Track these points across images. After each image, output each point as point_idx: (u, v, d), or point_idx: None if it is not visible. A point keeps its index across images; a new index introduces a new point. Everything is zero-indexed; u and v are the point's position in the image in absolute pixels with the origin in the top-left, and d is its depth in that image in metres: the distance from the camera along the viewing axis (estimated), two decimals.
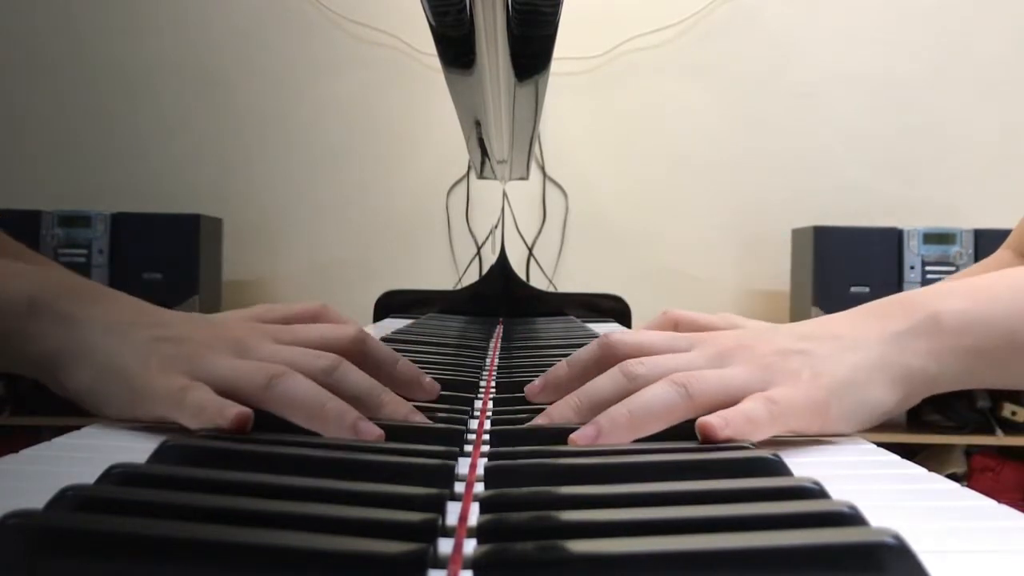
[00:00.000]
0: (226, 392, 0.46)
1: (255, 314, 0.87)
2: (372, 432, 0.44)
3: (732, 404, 0.46)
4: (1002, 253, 1.03)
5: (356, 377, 0.49)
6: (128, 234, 2.28)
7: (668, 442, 0.44)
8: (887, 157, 2.55)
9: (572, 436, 0.44)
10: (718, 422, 0.43)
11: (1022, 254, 1.00)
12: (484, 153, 1.25)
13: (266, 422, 0.45)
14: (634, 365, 0.48)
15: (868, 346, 0.49)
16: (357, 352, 0.52)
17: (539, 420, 0.48)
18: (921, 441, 2.24)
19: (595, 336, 1.09)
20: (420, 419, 0.48)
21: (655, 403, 0.45)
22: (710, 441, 0.43)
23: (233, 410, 0.43)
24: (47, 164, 2.58)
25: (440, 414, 0.50)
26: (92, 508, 0.29)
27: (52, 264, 0.59)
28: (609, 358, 0.51)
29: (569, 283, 2.51)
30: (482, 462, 0.38)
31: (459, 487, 0.36)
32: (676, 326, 0.88)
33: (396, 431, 0.44)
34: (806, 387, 0.47)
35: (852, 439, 0.49)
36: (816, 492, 0.32)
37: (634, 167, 2.58)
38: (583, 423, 0.45)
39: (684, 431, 0.45)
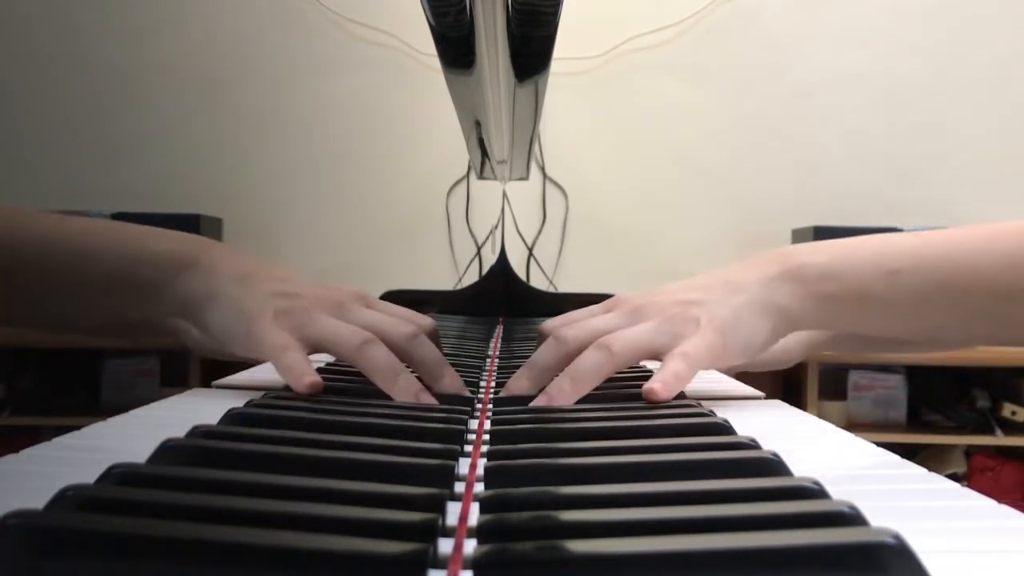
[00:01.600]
0: (323, 347, 0.57)
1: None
2: (431, 401, 0.54)
3: (648, 355, 0.58)
4: None
5: (430, 349, 0.59)
6: None
7: (668, 439, 0.44)
8: (887, 157, 2.55)
9: (531, 405, 0.54)
10: (659, 387, 0.54)
11: None
12: (484, 153, 1.25)
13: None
14: (564, 330, 0.60)
15: (748, 288, 0.60)
16: (431, 335, 0.61)
17: (501, 393, 0.59)
18: (921, 441, 2.24)
19: None
20: (466, 392, 0.58)
21: (588, 367, 0.55)
22: (655, 402, 0.53)
23: (307, 379, 0.54)
24: (47, 164, 2.58)
25: (440, 414, 0.50)
26: (92, 508, 0.29)
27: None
28: (545, 337, 0.61)
29: (569, 283, 2.51)
30: (482, 462, 0.38)
31: (459, 487, 0.36)
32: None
33: (396, 431, 0.44)
34: (705, 332, 0.57)
35: (851, 439, 0.49)
36: (816, 492, 0.32)
37: (634, 167, 2.58)
38: (537, 389, 0.56)
39: (685, 431, 0.45)
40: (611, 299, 0.64)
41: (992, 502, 0.35)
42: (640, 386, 0.55)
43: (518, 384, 0.58)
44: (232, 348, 0.59)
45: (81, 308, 0.61)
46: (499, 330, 1.21)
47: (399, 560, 0.25)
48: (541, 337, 0.63)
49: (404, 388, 0.54)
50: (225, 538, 0.26)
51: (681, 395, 0.57)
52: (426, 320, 0.63)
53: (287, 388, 0.56)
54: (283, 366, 0.55)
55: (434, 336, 0.63)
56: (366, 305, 0.62)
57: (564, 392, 0.54)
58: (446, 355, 0.62)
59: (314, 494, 0.32)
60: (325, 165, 2.58)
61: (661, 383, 0.54)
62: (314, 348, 0.57)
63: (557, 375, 0.56)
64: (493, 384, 0.68)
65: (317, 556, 0.25)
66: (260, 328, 0.57)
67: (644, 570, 0.25)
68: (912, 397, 2.30)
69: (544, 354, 0.59)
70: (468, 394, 0.57)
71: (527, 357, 0.82)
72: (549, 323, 0.64)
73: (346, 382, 0.61)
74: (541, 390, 0.56)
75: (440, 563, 0.27)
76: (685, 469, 0.37)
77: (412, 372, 0.58)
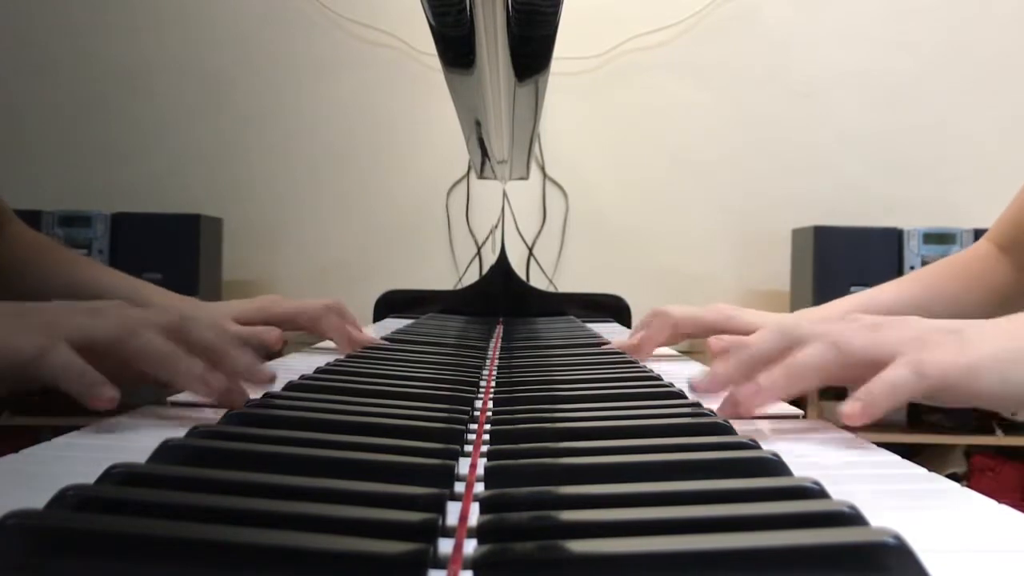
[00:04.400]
0: (86, 345, 0.49)
1: (260, 306, 0.93)
2: (218, 381, 0.50)
3: (885, 360, 0.49)
4: (983, 245, 1.03)
5: (203, 333, 0.54)
6: (128, 234, 2.28)
7: (668, 439, 0.44)
8: (887, 157, 2.55)
9: (735, 390, 0.51)
10: (857, 409, 0.47)
11: (1002, 247, 1.01)
12: (484, 153, 1.25)
13: None
14: (793, 327, 0.54)
15: (1014, 335, 0.51)
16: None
17: (701, 382, 0.54)
18: (921, 441, 2.24)
19: (596, 336, 1.09)
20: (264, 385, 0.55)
21: (812, 360, 0.50)
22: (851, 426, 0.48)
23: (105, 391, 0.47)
24: (47, 164, 2.58)
25: (440, 414, 0.50)
26: (92, 508, 0.29)
27: None
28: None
29: (569, 283, 2.51)
30: (482, 462, 0.38)
31: (459, 487, 0.36)
32: (675, 327, 0.90)
33: (396, 431, 0.44)
34: (954, 352, 0.48)
35: (852, 439, 0.49)
36: (816, 492, 0.32)
37: (634, 167, 2.58)
38: (743, 379, 0.51)
39: (686, 431, 0.45)
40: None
41: (992, 502, 0.35)
42: (642, 385, 0.54)
43: (726, 371, 0.54)
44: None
45: None
46: (499, 330, 1.21)
47: (399, 560, 0.25)
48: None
49: (185, 372, 0.50)
50: (225, 538, 0.26)
51: (682, 395, 0.57)
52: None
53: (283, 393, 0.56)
54: (58, 367, 0.47)
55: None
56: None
57: (776, 384, 0.50)
58: (446, 356, 0.62)
59: (314, 494, 0.32)
60: (325, 165, 2.58)
61: (862, 403, 0.48)
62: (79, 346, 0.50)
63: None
64: (493, 384, 0.68)
65: (317, 556, 0.25)
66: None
67: (644, 570, 0.25)
68: None
69: (763, 344, 0.54)
70: (265, 385, 0.55)
71: (527, 357, 0.83)
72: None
73: (345, 382, 0.61)
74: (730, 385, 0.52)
75: (440, 563, 0.27)
76: (685, 469, 0.37)
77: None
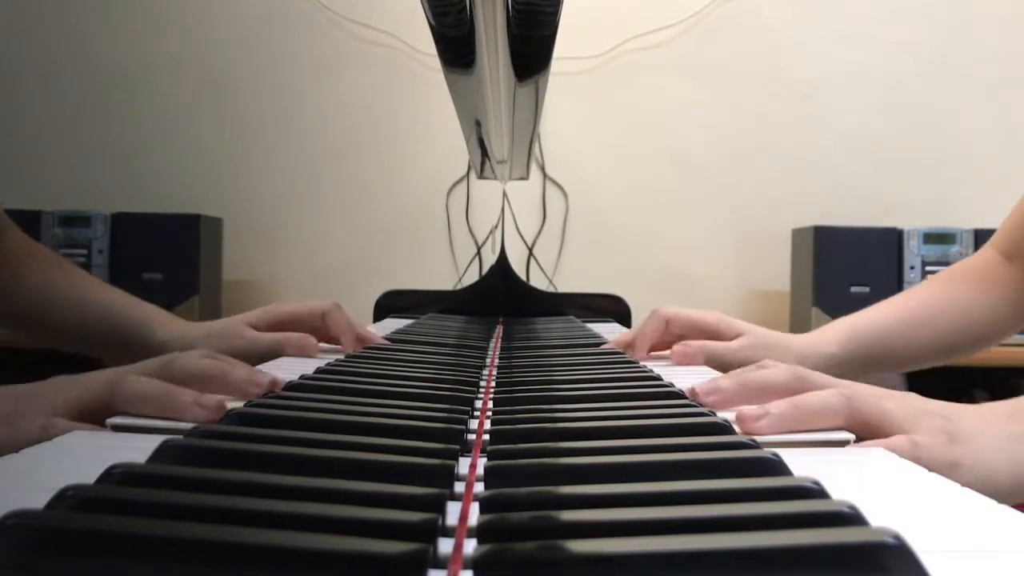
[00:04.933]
0: (80, 408, 0.52)
1: (263, 311, 0.94)
2: (211, 401, 0.51)
3: (882, 427, 0.51)
4: (988, 252, 1.03)
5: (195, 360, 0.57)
6: (128, 234, 2.28)
7: (668, 439, 0.44)
8: (887, 157, 2.55)
9: (742, 410, 0.51)
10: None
11: (1006, 254, 1.01)
12: (484, 153, 1.25)
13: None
14: (804, 371, 0.56)
15: (1001, 435, 0.52)
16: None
17: (705, 394, 0.56)
18: None
19: (596, 336, 1.09)
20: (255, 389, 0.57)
21: (820, 403, 0.51)
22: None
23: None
24: (47, 164, 2.58)
25: (440, 414, 0.50)
26: (92, 508, 0.29)
27: None
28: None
29: (569, 283, 2.50)
30: (482, 462, 0.38)
31: (459, 487, 0.36)
32: (668, 324, 0.92)
33: (396, 431, 0.44)
34: (942, 444, 0.50)
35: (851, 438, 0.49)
36: (816, 492, 0.32)
37: (634, 167, 2.58)
38: (745, 402, 0.53)
39: (685, 431, 0.45)
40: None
41: (992, 502, 0.35)
42: (644, 388, 0.54)
43: (730, 385, 0.56)
44: None
45: None
46: (499, 330, 1.21)
47: (399, 560, 0.25)
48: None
49: (174, 400, 0.52)
50: (225, 538, 0.26)
51: (682, 395, 0.57)
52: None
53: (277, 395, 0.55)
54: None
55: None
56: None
57: (784, 416, 0.51)
58: (446, 356, 0.62)
59: (314, 494, 0.32)
60: (325, 165, 2.58)
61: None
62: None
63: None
64: (493, 384, 0.68)
65: (317, 556, 0.25)
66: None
67: (644, 570, 0.25)
68: None
69: (774, 376, 0.55)
70: (258, 389, 0.57)
71: (527, 357, 0.83)
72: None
73: (345, 382, 0.61)
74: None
75: (440, 563, 0.27)
76: (685, 469, 0.37)
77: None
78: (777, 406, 0.51)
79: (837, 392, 0.52)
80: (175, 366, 0.56)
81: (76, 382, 0.55)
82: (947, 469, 0.49)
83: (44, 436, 0.49)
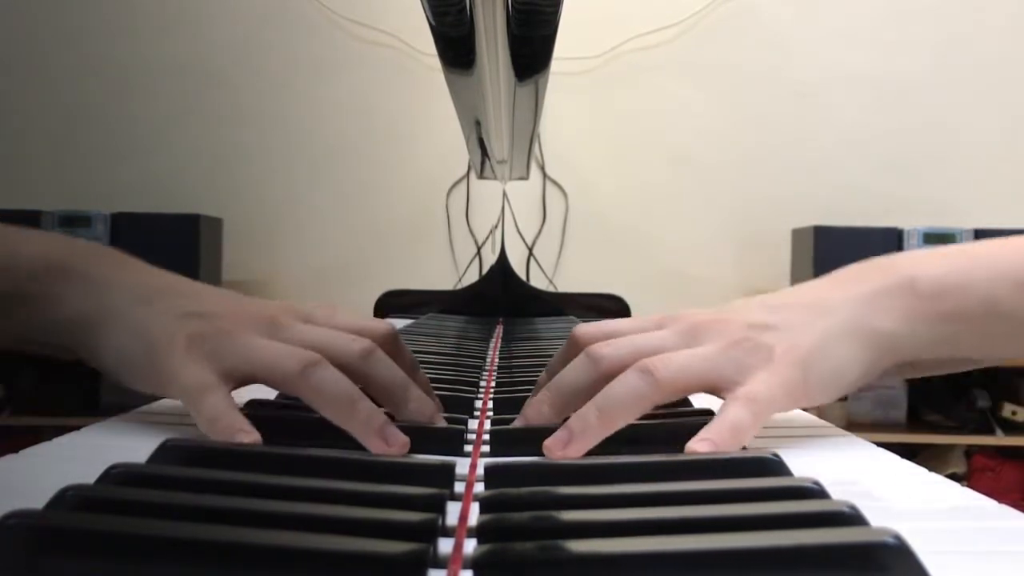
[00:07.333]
0: (255, 377, 0.44)
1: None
2: (398, 440, 0.41)
3: (703, 387, 0.45)
4: None
5: (389, 366, 0.46)
6: (128, 234, 2.28)
7: (667, 439, 0.44)
8: (887, 157, 2.55)
9: (545, 443, 0.41)
10: (706, 448, 0.40)
11: None
12: (484, 153, 1.25)
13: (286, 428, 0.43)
14: (599, 347, 0.46)
15: (837, 309, 0.48)
16: (389, 347, 0.48)
17: (516, 422, 0.46)
18: (921, 441, 2.24)
19: None
20: (441, 422, 0.46)
21: (622, 395, 0.43)
22: None
23: (241, 437, 0.40)
24: (47, 164, 2.58)
25: (440, 414, 0.50)
26: (92, 508, 0.29)
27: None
28: (577, 349, 0.48)
29: (569, 283, 2.50)
30: (482, 462, 0.38)
31: (459, 487, 0.36)
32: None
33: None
34: (779, 366, 0.45)
35: (852, 439, 0.49)
36: (816, 492, 0.32)
37: (634, 167, 2.58)
38: (560, 417, 0.44)
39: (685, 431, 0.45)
40: (667, 315, 0.50)
41: (992, 502, 0.35)
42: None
43: (536, 411, 0.46)
44: (133, 383, 0.47)
45: None
46: (499, 330, 1.21)
47: (399, 560, 0.25)
48: (570, 348, 0.50)
49: (365, 421, 0.41)
50: (225, 538, 0.26)
51: (685, 402, 0.55)
52: (381, 327, 0.50)
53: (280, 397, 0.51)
54: (205, 416, 0.42)
55: (394, 345, 0.49)
56: (304, 319, 0.49)
57: (590, 427, 0.41)
58: (446, 356, 0.61)
59: (314, 494, 0.32)
60: (325, 165, 2.58)
61: (711, 441, 0.41)
62: (243, 381, 0.45)
63: (586, 401, 0.43)
64: (493, 384, 0.68)
65: (317, 556, 0.25)
66: (169, 361, 0.44)
67: (644, 570, 0.25)
68: (912, 397, 2.30)
69: (573, 374, 0.46)
70: (442, 422, 0.46)
71: (527, 357, 0.83)
72: (582, 332, 0.50)
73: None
74: (565, 419, 0.43)
75: (440, 563, 0.27)
76: (685, 469, 0.37)
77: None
78: (580, 420, 0.42)
79: (634, 371, 0.43)
80: (375, 367, 0.46)
81: (269, 326, 0.47)
82: (791, 397, 0.45)
83: (195, 399, 0.43)
